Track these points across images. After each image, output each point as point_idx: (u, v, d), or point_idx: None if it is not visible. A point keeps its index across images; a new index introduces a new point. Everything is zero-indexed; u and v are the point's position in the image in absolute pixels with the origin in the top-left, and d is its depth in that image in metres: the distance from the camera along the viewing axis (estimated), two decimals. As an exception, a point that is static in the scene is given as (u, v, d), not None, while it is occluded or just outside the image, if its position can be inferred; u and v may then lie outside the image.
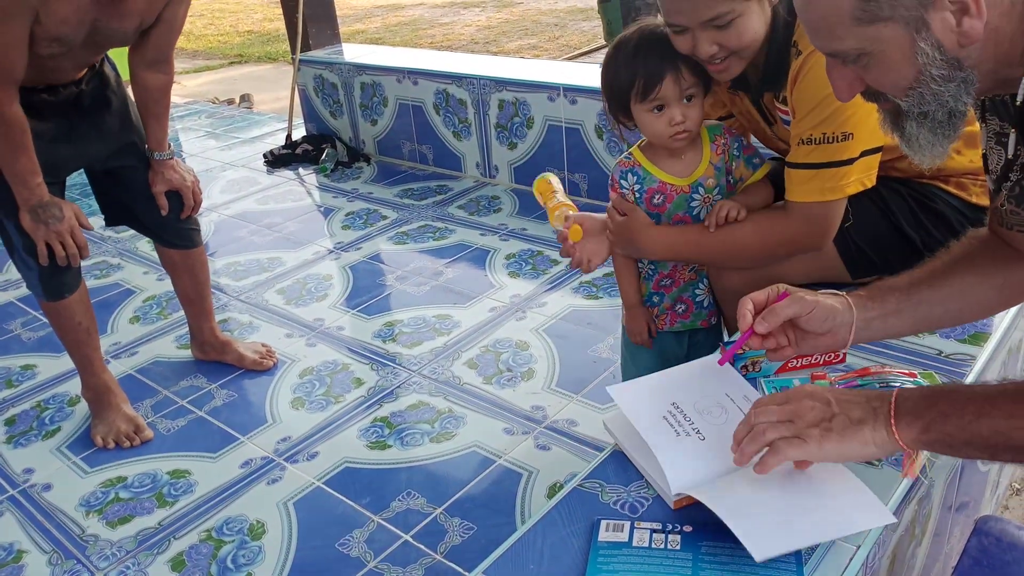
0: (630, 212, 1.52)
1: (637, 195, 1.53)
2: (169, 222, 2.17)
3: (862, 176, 1.39)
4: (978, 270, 1.15)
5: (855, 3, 0.91)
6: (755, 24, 1.32)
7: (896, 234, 1.53)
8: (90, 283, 2.42)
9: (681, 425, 1.16)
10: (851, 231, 1.51)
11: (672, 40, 1.37)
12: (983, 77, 0.94)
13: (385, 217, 3.36)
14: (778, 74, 1.40)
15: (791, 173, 1.41)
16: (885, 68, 0.95)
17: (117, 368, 2.41)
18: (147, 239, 2.89)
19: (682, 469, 1.09)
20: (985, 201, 1.57)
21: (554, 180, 1.63)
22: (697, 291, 1.62)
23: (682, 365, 1.30)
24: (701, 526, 1.07)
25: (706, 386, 1.21)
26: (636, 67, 1.40)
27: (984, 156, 1.08)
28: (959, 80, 0.93)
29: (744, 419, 1.06)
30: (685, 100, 1.41)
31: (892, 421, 0.95)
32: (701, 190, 1.50)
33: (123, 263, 3.16)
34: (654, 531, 1.06)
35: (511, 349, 2.35)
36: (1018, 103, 0.94)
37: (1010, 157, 1.03)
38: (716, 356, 1.25)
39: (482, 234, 3.11)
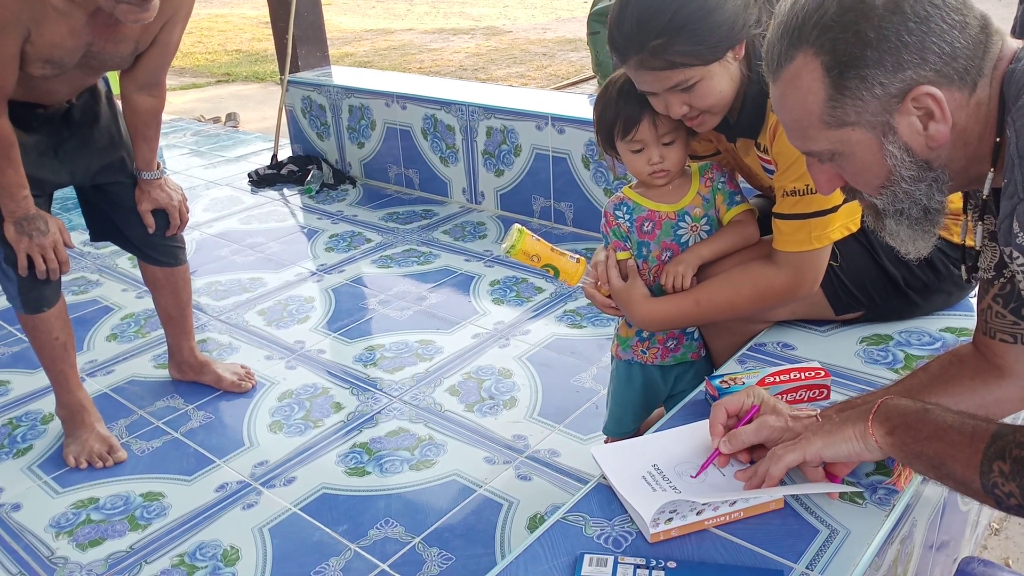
0: (631, 279, 1.55)
1: (628, 225, 1.55)
2: (154, 239, 2.14)
3: (846, 221, 1.41)
4: (955, 391, 1.15)
5: (824, 108, 0.95)
6: (720, 84, 1.34)
7: (879, 272, 1.55)
8: (68, 299, 2.39)
9: (659, 483, 1.17)
10: (838, 270, 1.53)
11: (649, 100, 1.40)
12: (956, 175, 0.97)
13: (369, 240, 3.35)
14: (751, 123, 1.44)
15: (779, 224, 1.43)
16: (857, 168, 0.99)
17: (92, 386, 2.37)
18: (128, 255, 2.87)
19: (655, 506, 1.10)
20: (969, 242, 1.60)
21: (533, 235, 1.51)
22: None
23: (666, 431, 1.33)
24: (685, 562, 1.06)
25: (688, 451, 1.23)
26: (619, 108, 1.45)
27: (977, 254, 1.11)
28: (930, 180, 0.96)
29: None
30: (664, 144, 1.45)
31: (870, 419, 1.04)
32: (688, 218, 1.53)
33: (102, 279, 3.12)
34: (638, 567, 1.05)
35: (494, 376, 2.34)
36: (984, 197, 0.97)
37: (978, 248, 1.06)
38: (699, 424, 1.27)
39: (467, 260, 3.11)
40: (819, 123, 0.96)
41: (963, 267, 1.15)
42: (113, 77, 2.03)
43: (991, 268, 1.10)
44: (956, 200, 1.58)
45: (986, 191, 0.97)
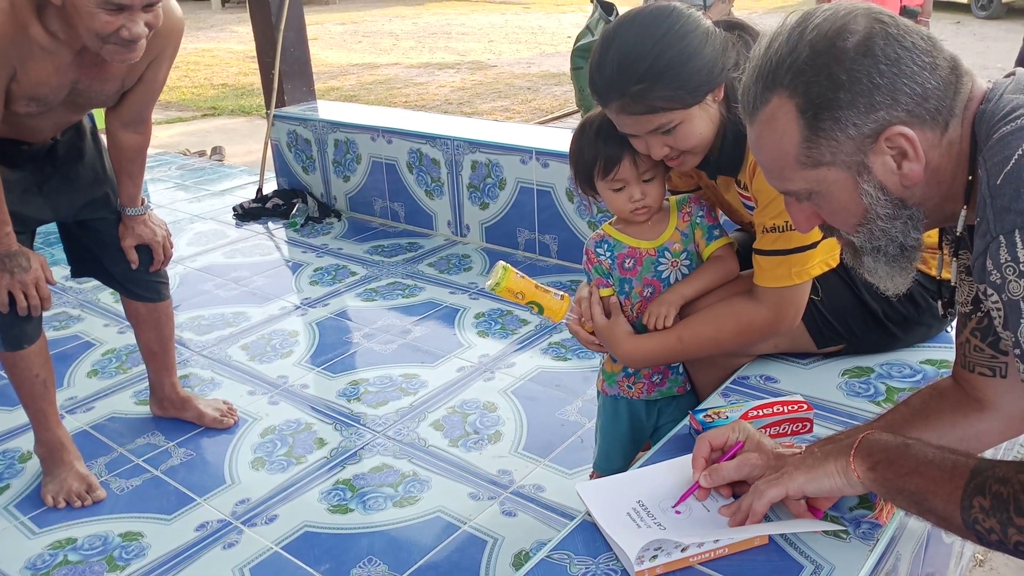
0: (614, 316, 1.55)
1: (610, 262, 1.55)
2: (137, 275, 2.13)
3: (826, 257, 1.43)
4: (937, 425, 1.16)
5: (799, 149, 0.96)
6: (700, 127, 1.37)
7: (860, 306, 1.56)
8: (49, 335, 2.36)
9: (643, 520, 1.17)
10: (819, 304, 1.54)
11: (630, 141, 1.42)
12: (930, 212, 0.99)
13: (354, 273, 3.34)
14: (731, 161, 1.46)
15: (759, 260, 1.45)
16: (834, 207, 1.00)
17: (72, 423, 2.34)
18: (110, 290, 2.85)
19: (640, 543, 1.10)
20: (945, 275, 1.62)
21: (517, 272, 1.51)
22: (673, 360, 1.64)
23: (650, 466, 1.33)
24: (670, 601, 1.05)
25: (673, 487, 1.23)
26: (598, 148, 1.46)
27: (953, 288, 1.12)
28: (905, 217, 0.98)
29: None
30: (644, 180, 1.46)
31: (852, 454, 1.04)
32: (668, 254, 1.54)
33: (83, 315, 3.09)
34: (622, 606, 1.04)
35: (478, 411, 2.33)
36: (958, 234, 0.99)
37: (953, 283, 1.08)
38: (684, 458, 1.27)
39: (452, 292, 3.11)
40: (795, 163, 0.98)
41: (939, 302, 1.16)
42: (98, 112, 2.04)
43: (968, 302, 1.11)
44: (933, 235, 1.61)
45: (959, 228, 0.98)
